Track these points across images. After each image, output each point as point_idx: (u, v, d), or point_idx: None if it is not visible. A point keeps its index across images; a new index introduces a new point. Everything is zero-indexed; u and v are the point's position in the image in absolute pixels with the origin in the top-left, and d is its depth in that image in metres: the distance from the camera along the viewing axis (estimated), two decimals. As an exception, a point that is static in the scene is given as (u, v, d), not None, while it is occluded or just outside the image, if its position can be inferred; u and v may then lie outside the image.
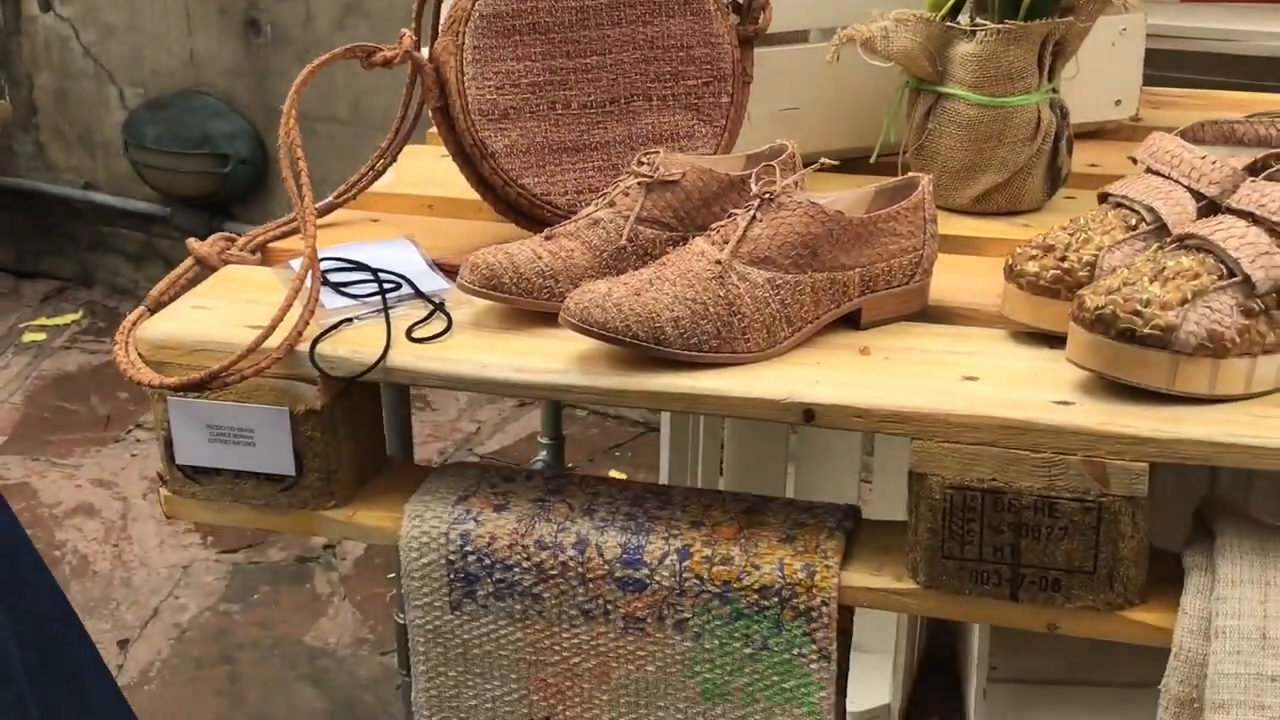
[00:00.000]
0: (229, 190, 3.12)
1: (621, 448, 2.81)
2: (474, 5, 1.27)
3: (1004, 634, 2.06)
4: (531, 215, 1.31)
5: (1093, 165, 1.50)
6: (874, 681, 2.05)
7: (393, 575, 2.38)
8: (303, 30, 2.98)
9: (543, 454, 1.81)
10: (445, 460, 2.71)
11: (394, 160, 1.37)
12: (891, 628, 2.01)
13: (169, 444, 1.20)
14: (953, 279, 1.25)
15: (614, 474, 2.78)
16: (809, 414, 1.07)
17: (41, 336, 3.24)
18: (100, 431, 2.83)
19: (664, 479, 2.02)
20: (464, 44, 1.27)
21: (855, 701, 2.01)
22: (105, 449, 2.77)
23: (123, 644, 2.24)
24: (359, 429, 1.22)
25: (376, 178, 1.38)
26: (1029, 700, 2.03)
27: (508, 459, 2.81)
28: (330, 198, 1.38)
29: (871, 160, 1.46)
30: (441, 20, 1.30)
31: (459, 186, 1.35)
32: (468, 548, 1.17)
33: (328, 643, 2.25)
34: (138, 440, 2.80)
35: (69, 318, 3.33)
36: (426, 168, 1.51)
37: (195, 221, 3.19)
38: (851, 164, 1.46)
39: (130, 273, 3.38)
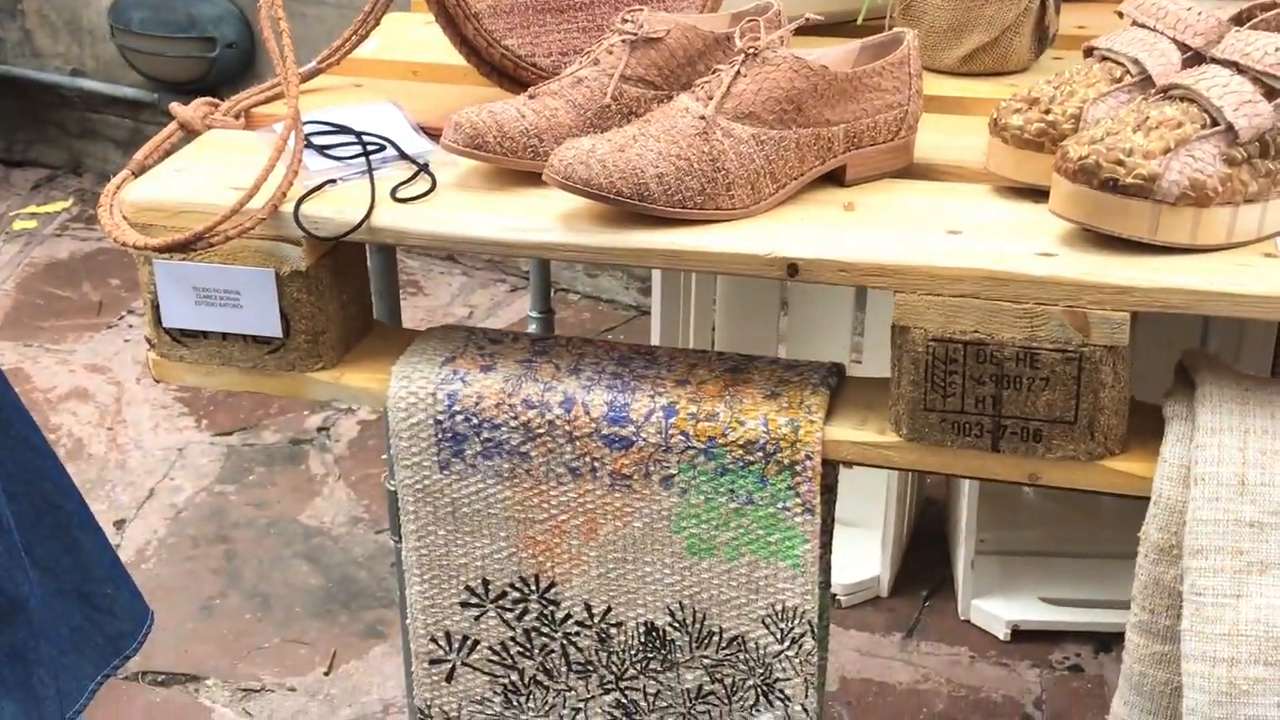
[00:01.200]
0: (217, 74, 3.09)
1: (614, 330, 2.81)
2: None
3: (991, 507, 2.08)
4: (515, 78, 1.30)
5: (1080, 27, 1.49)
6: (864, 554, 2.08)
7: (386, 457, 2.41)
8: (287, -90, 2.93)
9: (531, 329, 1.82)
10: (438, 343, 2.71)
11: (377, 25, 1.36)
12: (881, 502, 2.04)
13: (156, 307, 1.20)
14: (938, 138, 1.24)
15: (606, 356, 2.79)
16: (793, 269, 1.08)
17: (32, 224, 3.23)
18: (93, 318, 2.84)
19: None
20: (445, -98, 1.25)
21: (845, 574, 2.04)
22: (98, 335, 2.78)
23: (119, 524, 2.26)
24: (345, 291, 1.23)
25: (360, 42, 1.37)
26: (1015, 571, 2.06)
27: (500, 343, 2.81)
28: (314, 63, 1.37)
29: (858, 22, 1.45)
30: (422, -122, 1.28)
31: (443, 51, 1.34)
32: (455, 407, 1.18)
33: (323, 522, 2.27)
34: (130, 326, 2.81)
35: (59, 205, 3.31)
36: (410, 34, 1.50)
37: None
38: (838, 27, 1.45)
39: (120, 159, 3.36)
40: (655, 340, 2.04)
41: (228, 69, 3.09)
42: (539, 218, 1.13)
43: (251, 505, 2.31)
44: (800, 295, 2.08)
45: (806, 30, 1.18)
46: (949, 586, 2.08)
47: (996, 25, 1.35)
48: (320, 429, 2.52)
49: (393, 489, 1.33)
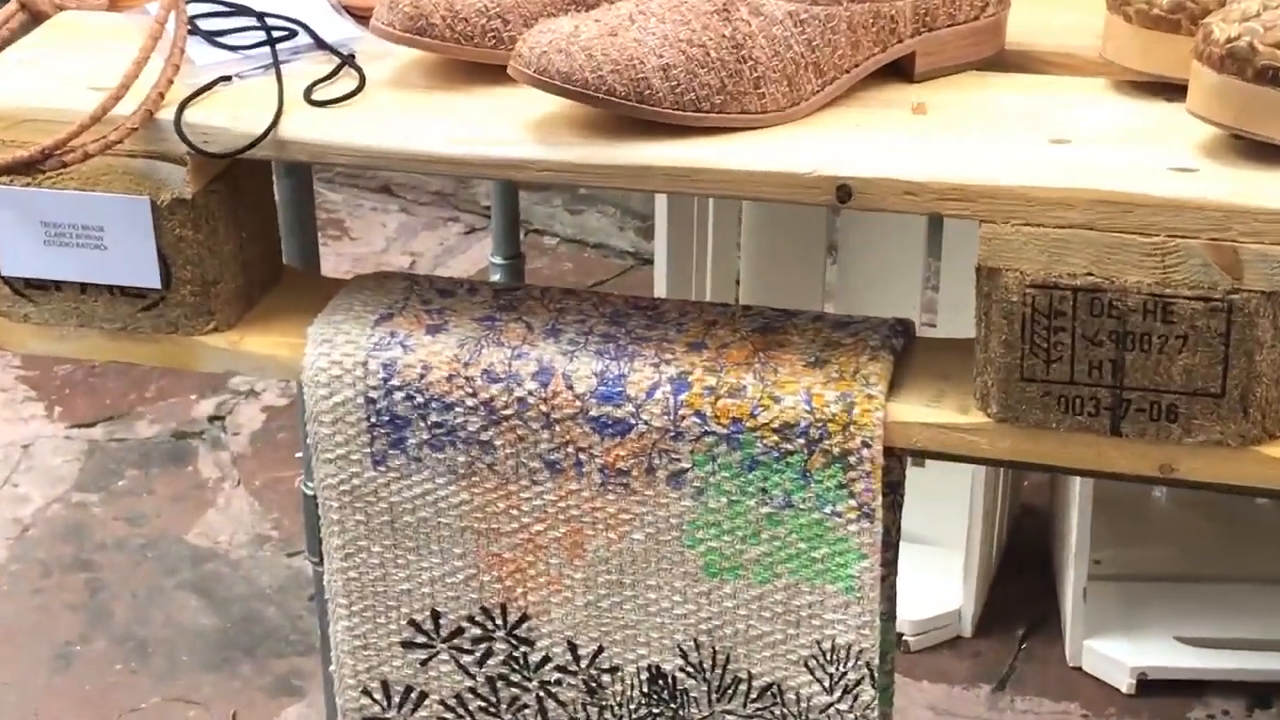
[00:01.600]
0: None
1: (604, 285, 2.82)
2: None
3: (1110, 516, 2.09)
4: (471, -60, 1.30)
5: None
6: (940, 582, 2.09)
7: (302, 454, 2.41)
8: None
9: (495, 279, 1.82)
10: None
11: None
12: (962, 511, 2.04)
13: (-9, 249, 1.20)
14: (1037, 14, 1.24)
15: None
16: (844, 191, 1.07)
17: None
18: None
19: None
20: None
21: (915, 607, 2.05)
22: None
23: (-54, 545, 2.27)
24: (245, 227, 1.23)
25: (261, -107, 1.36)
26: (1142, 601, 2.06)
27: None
28: (199, -79, 1.36)
29: None
30: None
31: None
32: (393, 381, 1.18)
33: (217, 542, 2.28)
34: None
35: None
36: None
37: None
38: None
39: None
40: (660, 287, 2.05)
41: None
42: (503, 125, 1.13)
43: (122, 520, 2.31)
44: (853, 236, 2.08)
45: None
46: (1053, 623, 2.09)
47: None
48: (213, 419, 2.52)
49: (311, 493, 1.33)
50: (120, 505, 2.34)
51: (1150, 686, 1.99)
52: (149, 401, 2.53)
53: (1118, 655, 2.01)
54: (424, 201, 3.03)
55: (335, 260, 2.81)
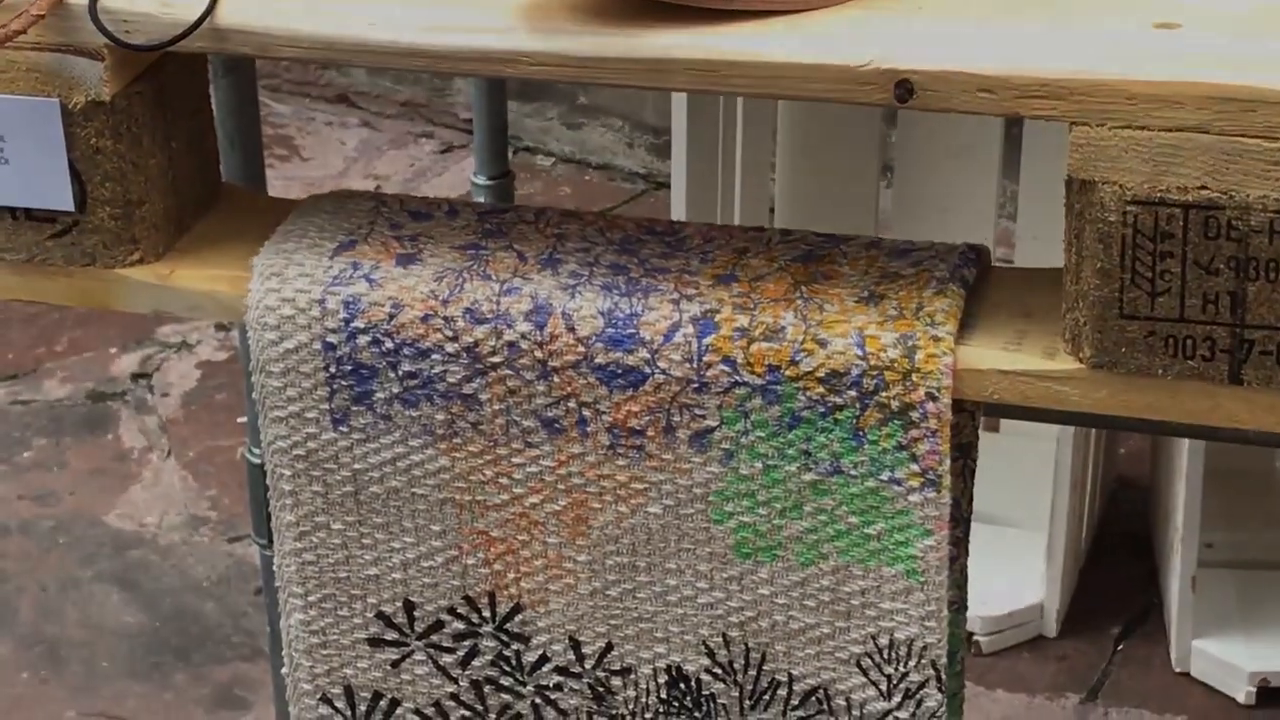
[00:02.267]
0: None
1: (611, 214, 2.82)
2: None
3: (1225, 491, 2.09)
4: None
5: None
6: (1018, 571, 2.09)
7: (243, 420, 2.41)
8: None
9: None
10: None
11: None
12: (1045, 485, 2.05)
13: None
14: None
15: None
16: (904, 88, 1.07)
17: None
18: None
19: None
20: None
21: (989, 601, 2.06)
22: None
23: None
24: (175, 136, 1.23)
25: None
26: (1261, 593, 2.07)
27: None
28: None
29: None
30: None
31: None
32: (357, 323, 1.18)
33: (143, 524, 2.29)
34: None
35: None
36: None
37: None
38: None
39: None
40: (679, 214, 2.05)
41: None
42: (489, 11, 1.12)
43: (28, 499, 2.32)
44: (912, 153, 2.08)
45: None
46: (1155, 620, 2.10)
47: None
48: (136, 377, 2.53)
49: (257, 460, 1.33)
50: (26, 481, 2.35)
51: (1273, 695, 2.00)
52: (59, 356, 2.54)
53: (1233, 658, 2.01)
54: (390, 114, 3.03)
55: (283, 186, 2.81)
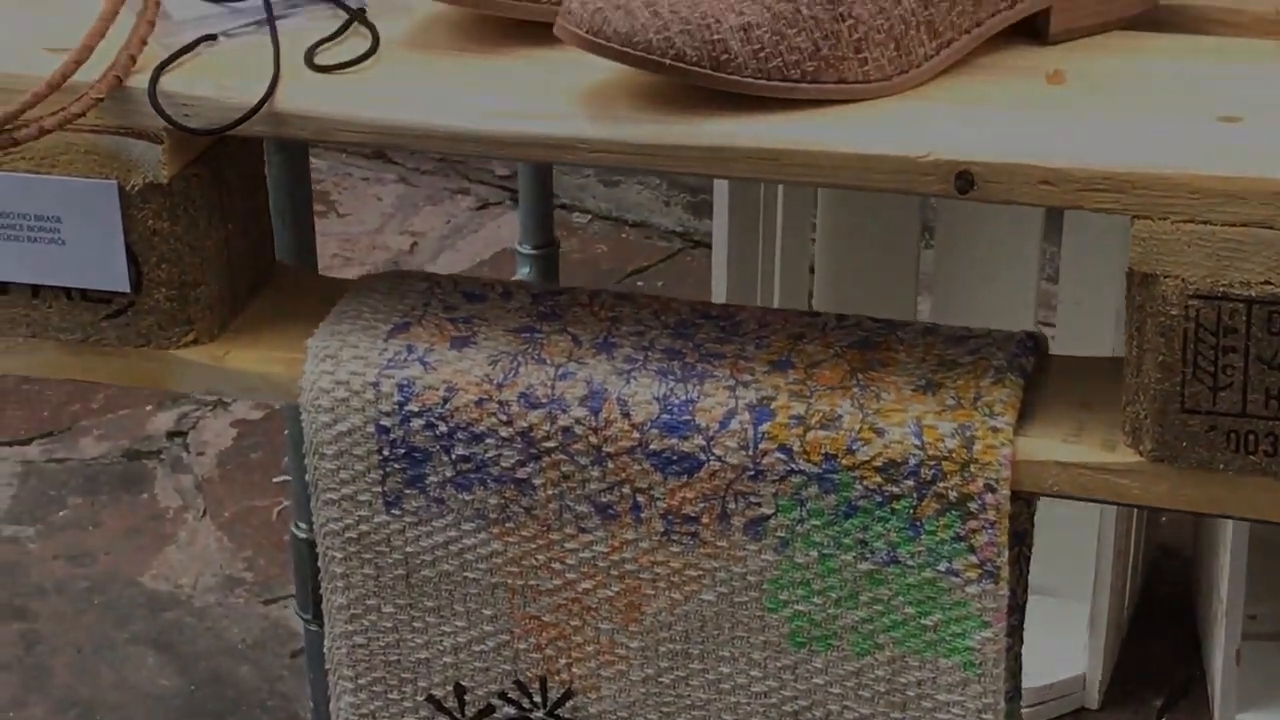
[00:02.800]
0: None
1: (646, 273, 2.82)
2: None
3: (1269, 564, 2.09)
4: None
5: None
6: (1060, 641, 2.08)
7: (282, 478, 2.42)
8: None
9: (524, 273, 1.82)
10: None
11: None
12: (1088, 555, 2.04)
13: (-78, 244, 1.21)
14: (1199, -40, 1.24)
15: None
16: (965, 178, 1.07)
17: None
18: None
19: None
20: None
21: (1033, 672, 2.02)
22: None
23: None
24: (231, 218, 1.23)
25: None
26: (1306, 665, 2.06)
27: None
28: None
29: None
30: None
31: None
32: (411, 406, 1.18)
33: (178, 585, 2.29)
34: None
35: None
36: None
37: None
38: None
39: None
40: (718, 288, 2.05)
41: None
42: (548, 96, 1.13)
43: (63, 558, 2.32)
44: (954, 215, 2.08)
45: None
46: (1199, 692, 2.09)
47: None
48: (172, 435, 2.53)
49: (304, 536, 1.33)
50: (61, 540, 2.35)
51: (1321, 773, 1.99)
52: (96, 413, 2.54)
53: (1279, 733, 2.01)
54: (426, 170, 3.03)
55: (320, 242, 2.80)
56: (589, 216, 2.94)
